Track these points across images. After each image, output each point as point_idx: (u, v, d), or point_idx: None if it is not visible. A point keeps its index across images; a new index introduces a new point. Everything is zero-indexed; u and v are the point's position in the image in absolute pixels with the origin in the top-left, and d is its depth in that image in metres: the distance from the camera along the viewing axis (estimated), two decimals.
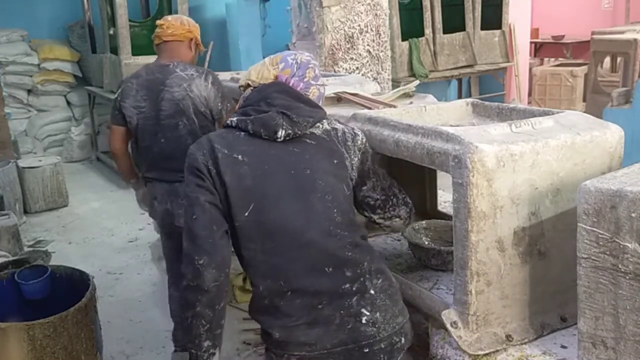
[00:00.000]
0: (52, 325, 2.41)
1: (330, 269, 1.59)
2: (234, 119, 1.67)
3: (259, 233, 1.59)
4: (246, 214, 1.58)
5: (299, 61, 1.74)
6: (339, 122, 1.77)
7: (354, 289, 1.60)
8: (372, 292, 1.62)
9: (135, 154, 2.96)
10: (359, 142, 1.74)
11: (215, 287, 1.56)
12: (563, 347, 1.58)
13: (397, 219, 1.84)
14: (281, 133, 1.61)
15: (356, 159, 1.73)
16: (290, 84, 1.72)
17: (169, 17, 2.89)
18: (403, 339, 1.64)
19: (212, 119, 2.84)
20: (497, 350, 1.58)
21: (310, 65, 1.76)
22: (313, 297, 1.59)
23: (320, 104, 1.77)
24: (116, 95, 2.84)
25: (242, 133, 1.64)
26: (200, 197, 1.58)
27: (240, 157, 1.60)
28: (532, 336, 1.62)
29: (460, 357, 1.61)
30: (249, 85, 1.75)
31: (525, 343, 1.60)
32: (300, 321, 1.59)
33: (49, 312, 2.46)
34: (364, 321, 1.59)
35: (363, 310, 1.60)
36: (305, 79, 1.75)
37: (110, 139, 2.94)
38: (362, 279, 1.62)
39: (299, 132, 1.64)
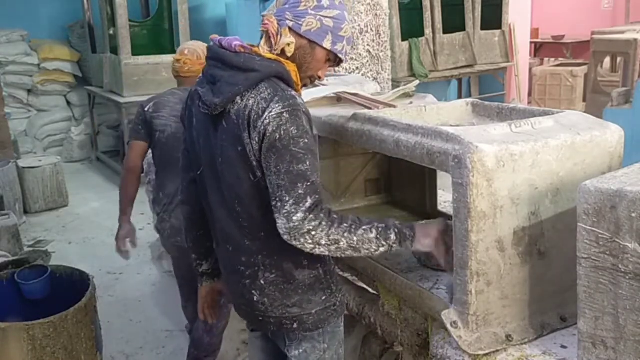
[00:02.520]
0: (52, 325, 2.41)
1: (231, 249, 1.73)
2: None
3: (203, 191, 1.78)
4: (198, 172, 1.77)
5: None
6: (262, 93, 1.53)
7: (247, 273, 1.72)
8: (262, 282, 1.70)
9: (160, 169, 2.81)
10: (260, 124, 1.49)
11: (188, 218, 1.93)
12: (563, 347, 1.58)
13: (279, 217, 1.52)
14: (203, 110, 1.62)
15: (257, 138, 1.51)
16: (271, 20, 1.59)
17: (186, 51, 2.81)
18: (296, 324, 1.71)
19: None
20: (497, 350, 1.58)
21: None
22: (225, 262, 1.81)
23: (327, 39, 1.59)
24: (146, 108, 2.72)
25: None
26: (183, 145, 1.86)
27: (194, 120, 1.73)
28: (532, 336, 1.62)
29: (460, 357, 1.61)
30: None
31: (525, 343, 1.60)
32: (224, 272, 1.86)
33: (49, 312, 2.47)
34: (255, 299, 1.73)
35: (253, 292, 1.72)
36: (300, 8, 1.59)
37: (130, 155, 2.76)
38: (255, 268, 1.69)
39: (214, 113, 1.58)
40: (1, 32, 7.21)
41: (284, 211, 1.48)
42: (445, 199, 2.48)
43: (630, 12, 9.04)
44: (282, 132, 1.48)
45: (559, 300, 1.65)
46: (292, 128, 1.49)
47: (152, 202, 2.91)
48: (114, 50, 6.69)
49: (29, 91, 7.53)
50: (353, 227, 1.53)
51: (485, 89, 7.79)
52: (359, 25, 3.76)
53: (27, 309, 2.71)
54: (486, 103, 2.07)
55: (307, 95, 2.54)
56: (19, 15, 7.61)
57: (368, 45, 3.83)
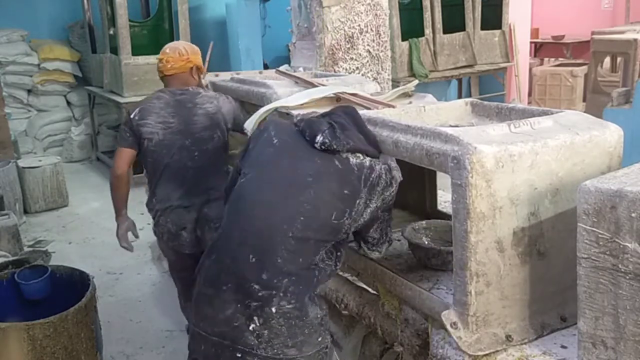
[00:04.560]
0: (52, 325, 2.42)
1: (254, 260, 1.63)
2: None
3: (240, 191, 1.77)
4: (246, 176, 1.78)
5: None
6: (385, 167, 1.76)
7: (259, 294, 1.61)
8: (273, 309, 1.61)
9: (151, 176, 2.81)
10: (387, 193, 1.77)
11: None
12: (563, 347, 1.58)
13: (377, 253, 1.95)
14: (319, 138, 1.70)
15: (375, 205, 1.74)
16: None
17: (167, 50, 2.83)
18: None
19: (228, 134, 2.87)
20: (497, 351, 1.58)
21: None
22: (225, 273, 1.66)
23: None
24: (132, 116, 2.72)
25: (296, 128, 1.79)
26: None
27: (275, 140, 1.78)
28: (532, 336, 1.62)
29: (460, 357, 1.61)
30: None
31: (525, 343, 1.60)
32: (207, 290, 1.69)
33: (49, 312, 2.47)
34: (250, 328, 1.60)
35: (255, 318, 1.61)
36: None
37: (117, 161, 2.76)
38: (273, 291, 1.61)
39: (335, 147, 1.70)
40: (1, 32, 7.21)
41: (390, 236, 1.95)
42: (445, 199, 2.48)
43: (630, 12, 9.03)
44: (393, 201, 1.84)
45: (559, 300, 1.65)
46: None
47: (146, 205, 2.93)
48: (114, 50, 6.69)
49: (29, 91, 7.53)
50: None
51: (485, 89, 7.79)
52: (359, 25, 3.76)
53: (27, 309, 2.71)
54: (485, 103, 2.07)
55: (307, 95, 2.54)
56: (19, 15, 7.61)
57: (368, 45, 3.83)
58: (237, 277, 1.64)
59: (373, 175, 1.72)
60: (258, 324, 1.60)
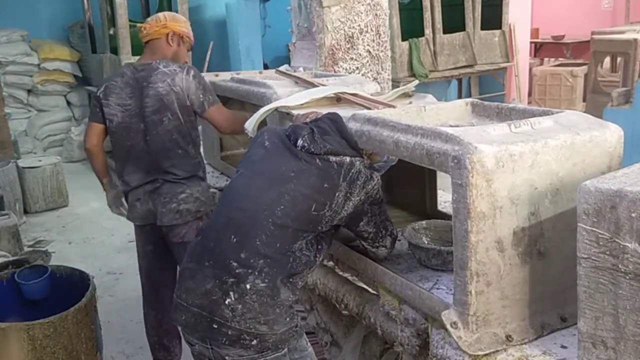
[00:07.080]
0: (52, 325, 2.42)
1: (234, 240, 1.78)
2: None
3: (231, 185, 1.98)
4: (238, 172, 1.99)
5: None
6: (365, 166, 1.90)
7: (237, 271, 1.75)
8: (247, 286, 1.74)
9: (115, 157, 2.87)
10: (370, 186, 1.88)
11: None
12: (563, 347, 1.58)
13: (383, 248, 2.02)
14: (300, 142, 1.89)
15: (358, 198, 1.86)
16: None
17: (148, 19, 2.90)
18: (255, 341, 1.74)
19: (195, 113, 2.81)
20: (497, 351, 1.58)
21: None
22: (208, 251, 1.82)
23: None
24: (98, 94, 2.78)
25: (285, 133, 1.97)
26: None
27: (267, 143, 1.98)
28: (532, 336, 1.62)
29: (460, 357, 1.61)
30: None
31: (525, 343, 1.60)
32: (190, 265, 1.85)
33: (49, 312, 2.47)
34: (226, 302, 1.74)
35: (231, 293, 1.74)
36: None
37: (87, 135, 2.84)
38: (249, 270, 1.75)
39: (312, 150, 1.86)
40: (1, 32, 7.22)
41: (391, 229, 2.01)
42: (445, 199, 2.48)
43: (630, 12, 9.04)
44: (380, 195, 1.95)
45: (559, 300, 1.65)
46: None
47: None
48: (114, 50, 6.70)
49: (29, 91, 7.53)
50: None
51: (485, 89, 7.79)
52: (359, 25, 3.76)
53: (27, 309, 2.71)
54: (485, 103, 2.06)
55: (307, 95, 2.54)
56: (19, 15, 7.62)
57: (368, 45, 3.82)
58: (218, 254, 1.79)
59: (353, 171, 1.85)
60: (233, 299, 1.73)
